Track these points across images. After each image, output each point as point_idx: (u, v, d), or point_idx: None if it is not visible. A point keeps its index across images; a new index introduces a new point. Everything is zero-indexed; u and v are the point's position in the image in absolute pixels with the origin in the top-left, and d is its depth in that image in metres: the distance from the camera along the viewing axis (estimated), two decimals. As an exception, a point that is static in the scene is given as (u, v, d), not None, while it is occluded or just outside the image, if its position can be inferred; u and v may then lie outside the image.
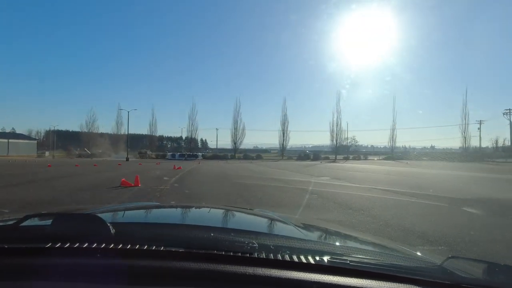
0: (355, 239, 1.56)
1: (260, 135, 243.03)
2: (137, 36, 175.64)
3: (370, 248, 1.35)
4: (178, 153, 73.24)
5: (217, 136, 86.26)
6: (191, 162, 48.24)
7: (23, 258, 0.78)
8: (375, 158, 70.78)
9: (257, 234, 1.12)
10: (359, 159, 66.21)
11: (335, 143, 71.93)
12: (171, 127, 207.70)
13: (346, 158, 57.94)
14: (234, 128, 76.86)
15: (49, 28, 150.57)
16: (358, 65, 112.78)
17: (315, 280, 0.77)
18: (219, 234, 1.02)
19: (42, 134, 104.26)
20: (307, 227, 1.61)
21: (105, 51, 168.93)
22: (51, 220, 0.92)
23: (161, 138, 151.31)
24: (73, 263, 0.76)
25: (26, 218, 0.93)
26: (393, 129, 74.89)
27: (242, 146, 79.55)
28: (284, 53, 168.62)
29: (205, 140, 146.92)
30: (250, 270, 0.77)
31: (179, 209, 1.89)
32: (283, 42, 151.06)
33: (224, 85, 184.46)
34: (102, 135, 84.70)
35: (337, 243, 1.32)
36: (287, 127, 75.48)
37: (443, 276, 0.85)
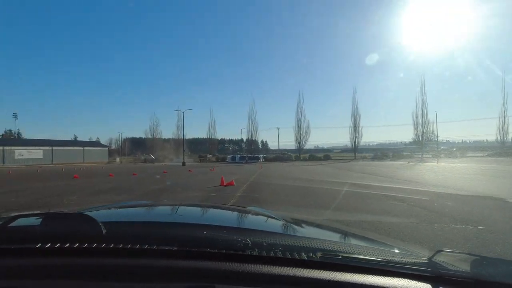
0: (347, 235, 1.58)
1: (322, 133, 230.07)
2: (192, 37, 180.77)
3: (361, 243, 1.37)
4: (239, 156, 70.19)
5: (278, 136, 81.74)
6: (252, 165, 43.98)
7: (13, 259, 0.77)
8: (480, 154, 57.95)
9: (250, 231, 1.16)
10: (455, 156, 53.94)
11: (419, 137, 60.73)
12: (232, 129, 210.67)
13: (437, 156, 47.50)
14: (298, 127, 71.05)
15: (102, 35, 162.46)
16: (440, 50, 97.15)
17: (308, 276, 0.79)
18: (212, 232, 1.01)
19: (113, 141, 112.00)
20: (299, 224, 1.63)
21: (162, 55, 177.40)
22: (41, 220, 0.90)
23: (223, 141, 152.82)
24: (63, 263, 0.76)
25: (15, 218, 0.92)
26: (503, 117, 60.54)
27: (305, 146, 73.26)
28: (350, 40, 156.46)
29: (266, 141, 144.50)
30: (243, 267, 0.78)
31: (172, 208, 1.84)
32: (349, 28, 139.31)
33: (284, 82, 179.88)
34: (165, 140, 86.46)
35: (329, 239, 1.33)
36: (358, 122, 66.97)
37: (432, 269, 0.87)
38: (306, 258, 0.84)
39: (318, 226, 1.70)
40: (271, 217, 1.61)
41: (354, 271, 0.83)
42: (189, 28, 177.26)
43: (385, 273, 0.84)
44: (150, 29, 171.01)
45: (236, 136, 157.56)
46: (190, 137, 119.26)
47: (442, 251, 0.99)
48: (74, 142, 77.98)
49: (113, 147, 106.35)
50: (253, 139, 76.33)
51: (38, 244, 0.79)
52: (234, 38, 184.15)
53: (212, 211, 1.84)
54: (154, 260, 0.78)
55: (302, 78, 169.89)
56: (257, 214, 1.78)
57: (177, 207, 1.83)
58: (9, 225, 0.90)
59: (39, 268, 0.75)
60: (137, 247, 0.81)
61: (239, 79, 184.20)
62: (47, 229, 0.87)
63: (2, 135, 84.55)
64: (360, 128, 66.11)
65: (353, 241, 1.42)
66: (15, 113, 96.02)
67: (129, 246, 0.81)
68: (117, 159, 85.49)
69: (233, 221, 1.65)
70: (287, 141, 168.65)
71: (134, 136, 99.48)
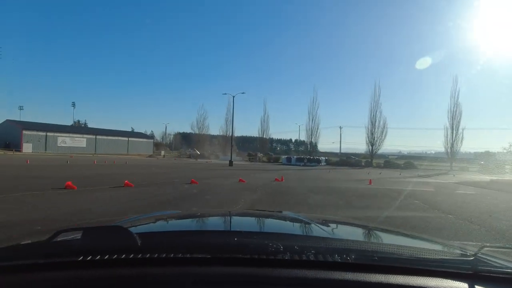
0: (383, 233, 1.60)
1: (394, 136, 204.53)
2: (242, 31, 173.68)
3: (399, 242, 1.36)
4: (295, 157, 58.99)
5: (340, 136, 68.68)
6: (319, 171, 33.95)
7: (57, 272, 0.81)
8: None
9: (281, 236, 1.15)
10: None
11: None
12: (282, 127, 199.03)
13: None
14: (371, 124, 57.73)
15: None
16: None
17: (342, 279, 0.78)
18: (243, 238, 1.03)
19: (164, 135, 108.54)
20: (331, 225, 1.62)
21: (213, 46, 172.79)
22: (80, 234, 0.96)
23: (271, 140, 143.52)
24: (103, 274, 0.80)
25: (58, 233, 0.98)
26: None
27: (379, 150, 59.84)
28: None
29: (316, 143, 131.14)
30: (274, 272, 0.79)
31: (202, 216, 1.88)
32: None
33: (351, 74, 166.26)
34: (213, 136, 79.29)
35: (364, 239, 1.34)
36: (459, 121, 51.47)
37: (478, 267, 0.84)
38: (340, 261, 0.83)
39: (353, 226, 1.74)
40: (304, 221, 1.61)
41: (391, 272, 0.80)
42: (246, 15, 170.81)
43: (425, 273, 0.80)
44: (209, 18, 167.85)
45: (285, 136, 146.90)
46: (240, 135, 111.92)
47: (487, 246, 0.95)
48: (119, 132, 73.93)
49: (163, 140, 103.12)
50: (312, 137, 64.97)
51: (80, 257, 0.82)
52: (289, 25, 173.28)
53: (243, 217, 1.86)
54: (187, 268, 0.81)
55: (373, 69, 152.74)
56: (289, 218, 1.77)
57: (207, 215, 1.89)
58: (52, 240, 0.94)
59: (81, 281, 0.79)
60: (171, 256, 0.83)
61: (296, 71, 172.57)
62: (87, 242, 0.92)
63: (71, 125, 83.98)
64: (461, 130, 51.36)
65: (389, 240, 1.43)
66: (74, 103, 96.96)
67: (164, 255, 0.83)
68: (162, 153, 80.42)
69: (264, 226, 1.64)
70: (348, 143, 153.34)
71: (185, 131, 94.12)
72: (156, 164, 33.40)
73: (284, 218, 1.79)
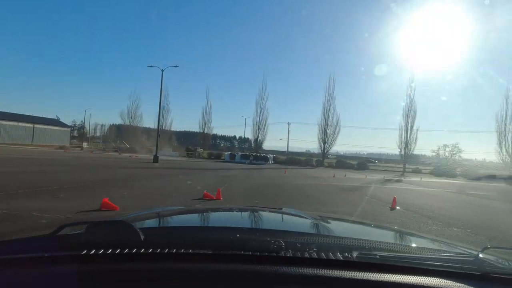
0: (386, 232, 1.59)
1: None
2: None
3: (401, 241, 1.36)
4: (240, 154, 51.95)
5: (288, 133, 63.74)
6: (268, 171, 27.98)
7: (60, 266, 0.82)
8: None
9: (283, 232, 1.15)
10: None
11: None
12: (226, 123, 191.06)
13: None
14: (324, 119, 52.63)
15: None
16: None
17: (344, 277, 0.78)
18: (246, 234, 1.04)
19: (93, 125, 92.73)
20: (333, 223, 1.62)
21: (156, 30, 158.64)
22: (84, 228, 0.97)
23: (214, 136, 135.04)
24: (106, 269, 0.81)
25: (62, 227, 0.99)
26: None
27: (330, 149, 55.80)
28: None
29: (261, 139, 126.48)
30: (277, 269, 0.79)
31: (205, 212, 1.87)
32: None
33: (300, 66, 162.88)
34: (149, 129, 68.48)
35: (366, 238, 1.29)
36: (414, 120, 47.93)
37: (480, 267, 0.84)
38: (342, 259, 0.83)
39: (355, 225, 1.75)
40: (306, 218, 1.61)
41: (393, 271, 0.80)
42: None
43: (428, 273, 0.81)
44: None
45: (230, 132, 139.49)
46: (182, 130, 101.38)
47: (489, 247, 0.95)
48: (20, 117, 58.31)
49: (95, 132, 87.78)
50: (258, 136, 57.79)
51: (84, 251, 0.83)
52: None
53: (245, 213, 1.84)
54: (190, 264, 0.81)
55: (329, 62, 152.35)
56: (291, 215, 1.77)
57: (211, 211, 1.87)
58: (57, 234, 0.96)
59: (84, 275, 0.79)
60: (173, 251, 0.84)
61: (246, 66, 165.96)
62: (91, 236, 0.92)
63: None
64: (415, 130, 48.09)
65: (392, 239, 1.42)
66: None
67: (166, 250, 0.84)
68: (84, 145, 67.26)
69: (266, 223, 1.65)
70: (299, 141, 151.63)
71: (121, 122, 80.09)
72: (43, 158, 23.57)
73: (287, 215, 1.79)
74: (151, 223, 1.50)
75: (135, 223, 1.07)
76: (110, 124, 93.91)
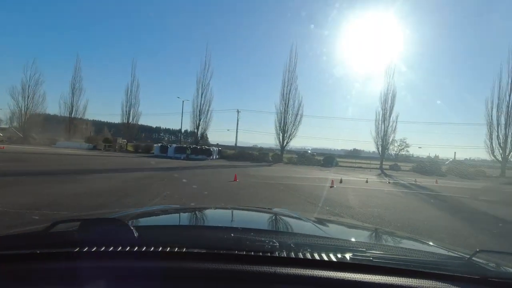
0: (378, 234, 1.59)
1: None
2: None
3: (394, 243, 1.38)
4: (175, 146, 39.53)
5: (237, 123, 52.75)
6: (212, 172, 18.11)
7: (53, 262, 0.82)
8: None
9: (277, 233, 1.19)
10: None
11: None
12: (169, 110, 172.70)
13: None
14: (284, 103, 41.50)
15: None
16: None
17: (337, 278, 0.78)
18: (240, 234, 1.05)
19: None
20: (327, 224, 1.63)
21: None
22: (78, 225, 0.97)
23: (158, 129, 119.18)
24: (99, 266, 0.80)
25: (55, 224, 0.99)
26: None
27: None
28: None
29: (206, 135, 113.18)
30: (271, 269, 0.79)
31: (199, 211, 1.92)
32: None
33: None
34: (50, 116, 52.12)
35: (360, 240, 1.32)
36: (392, 106, 39.72)
37: (472, 270, 0.85)
38: (335, 260, 0.83)
39: (347, 226, 1.79)
40: (298, 218, 1.65)
41: (386, 272, 0.81)
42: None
43: (420, 275, 0.82)
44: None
45: (173, 125, 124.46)
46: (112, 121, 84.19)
47: (482, 251, 0.97)
48: None
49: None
50: (199, 123, 44.42)
51: (76, 248, 0.83)
52: None
53: (239, 213, 1.88)
54: (183, 262, 0.81)
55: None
56: (283, 215, 1.79)
57: (205, 210, 1.95)
58: (50, 231, 0.95)
59: (77, 271, 0.79)
60: (167, 250, 0.84)
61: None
62: (84, 233, 0.91)
63: None
64: (394, 118, 39.83)
65: (385, 241, 1.43)
66: None
67: (160, 249, 0.84)
68: None
69: (260, 223, 1.67)
70: (254, 132, 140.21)
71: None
72: None
73: (282, 216, 1.78)
74: (146, 221, 1.50)
75: (129, 221, 1.07)
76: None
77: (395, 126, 38.94)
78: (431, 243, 1.33)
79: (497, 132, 34.26)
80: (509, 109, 33.67)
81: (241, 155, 40.43)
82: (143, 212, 1.72)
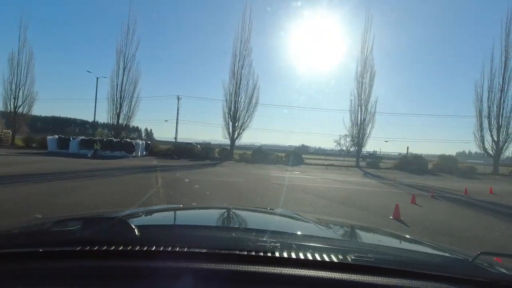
0: (379, 235, 1.62)
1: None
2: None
3: (396, 244, 1.38)
4: (81, 138, 28.57)
5: (177, 112, 42.82)
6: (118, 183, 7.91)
7: (56, 261, 0.82)
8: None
9: (278, 233, 1.17)
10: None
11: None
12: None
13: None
14: (233, 76, 31.77)
15: None
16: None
17: (339, 279, 0.78)
18: (241, 234, 1.08)
19: None
20: (329, 225, 1.65)
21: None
22: (80, 224, 0.99)
23: (73, 120, 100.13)
24: (101, 265, 0.81)
25: (57, 222, 1.01)
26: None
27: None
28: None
29: (150, 130, 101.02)
30: (272, 269, 0.79)
31: (201, 211, 1.98)
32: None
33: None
34: None
35: (361, 241, 1.34)
36: (370, 88, 31.78)
37: (476, 273, 0.85)
38: (336, 261, 0.83)
39: (349, 227, 1.76)
40: (300, 219, 1.64)
41: (388, 274, 0.81)
42: None
43: (422, 277, 0.82)
44: None
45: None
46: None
47: (484, 252, 0.96)
48: None
49: None
50: (119, 110, 31.97)
51: (79, 247, 0.84)
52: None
53: (241, 213, 1.87)
54: (184, 262, 0.81)
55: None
56: (285, 215, 1.82)
57: (207, 210, 2.07)
58: (52, 229, 0.98)
59: (78, 271, 0.79)
60: (169, 249, 0.85)
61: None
62: (87, 232, 0.92)
63: None
64: (373, 102, 31.97)
65: (387, 242, 1.42)
66: None
67: (161, 248, 0.85)
68: None
69: (261, 223, 1.68)
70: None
71: None
72: None
73: (283, 216, 1.82)
74: (147, 220, 1.50)
75: (131, 220, 1.08)
76: None
77: (374, 111, 31.79)
78: (433, 245, 1.31)
79: (489, 120, 29.00)
80: (504, 93, 28.50)
81: (178, 151, 30.68)
82: (144, 211, 1.68)
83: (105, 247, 0.84)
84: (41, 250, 0.84)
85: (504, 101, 28.44)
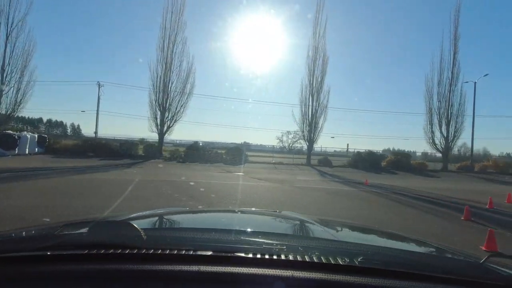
0: (386, 236, 1.59)
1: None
2: None
3: (404, 246, 1.37)
4: None
5: (98, 101, 35.13)
6: None
7: (62, 265, 0.83)
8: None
9: (285, 235, 1.18)
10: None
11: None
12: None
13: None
14: (164, 63, 25.78)
15: None
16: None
17: (346, 282, 0.78)
18: (247, 237, 1.07)
19: None
20: (336, 227, 1.66)
21: None
22: (87, 228, 1.02)
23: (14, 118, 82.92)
24: (108, 268, 0.82)
25: (65, 227, 1.03)
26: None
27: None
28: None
29: (78, 125, 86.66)
30: (278, 272, 0.79)
31: (207, 214, 1.98)
32: None
33: None
34: None
35: (368, 243, 1.32)
36: (324, 70, 28.25)
37: (487, 275, 0.85)
38: (342, 263, 0.83)
39: (356, 229, 1.76)
40: (307, 222, 1.61)
41: (397, 277, 0.80)
42: None
43: (431, 280, 0.81)
44: None
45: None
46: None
47: (494, 254, 1.01)
48: None
49: None
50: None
51: (86, 250, 0.85)
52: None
53: (246, 216, 1.89)
54: (191, 265, 0.81)
55: None
56: (292, 218, 1.79)
57: (213, 213, 2.05)
58: (60, 233, 0.99)
59: (86, 274, 0.80)
60: (175, 252, 0.85)
61: None
62: (94, 236, 0.94)
63: None
64: (324, 93, 28.19)
65: (395, 244, 1.42)
66: None
67: (167, 251, 0.85)
68: None
69: (267, 226, 1.64)
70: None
71: None
72: None
73: (289, 219, 1.80)
74: (153, 223, 1.52)
75: (137, 223, 1.08)
76: None
77: (327, 102, 28.24)
78: (441, 247, 1.30)
79: (439, 116, 27.79)
80: (452, 88, 27.58)
81: (87, 148, 23.74)
82: (151, 215, 1.72)
83: (111, 250, 0.85)
84: (49, 253, 0.85)
85: (453, 96, 27.43)
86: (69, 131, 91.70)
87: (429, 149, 30.22)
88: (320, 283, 0.77)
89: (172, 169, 16.88)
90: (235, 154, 25.03)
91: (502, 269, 0.89)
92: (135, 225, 0.97)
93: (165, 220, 1.63)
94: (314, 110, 27.81)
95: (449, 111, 27.49)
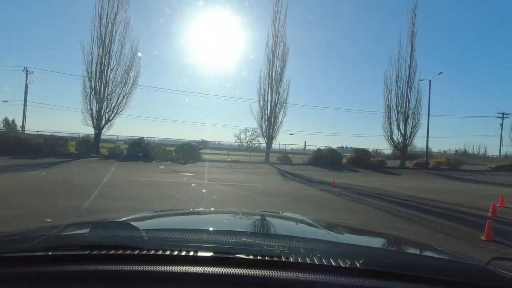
0: (388, 239, 1.58)
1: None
2: None
3: (406, 249, 1.37)
4: None
5: (26, 90, 30.33)
6: None
7: (63, 265, 0.83)
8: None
9: (286, 237, 1.18)
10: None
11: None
12: None
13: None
14: (101, 45, 21.79)
15: None
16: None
17: (348, 284, 0.78)
18: (248, 238, 1.07)
19: None
20: (338, 229, 1.65)
21: None
22: (89, 228, 1.02)
23: None
24: (109, 269, 0.81)
25: (66, 227, 1.04)
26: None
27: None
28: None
29: (13, 120, 74.30)
30: (278, 274, 0.79)
31: (208, 215, 1.93)
32: None
33: None
34: None
35: (370, 245, 1.32)
36: (284, 59, 26.28)
37: (491, 278, 0.85)
38: (342, 265, 0.83)
39: (359, 232, 1.75)
40: (308, 223, 1.61)
41: (399, 279, 0.80)
42: None
43: (433, 282, 0.80)
44: None
45: None
46: None
47: (497, 257, 0.96)
48: None
49: None
50: None
51: (87, 251, 0.85)
52: None
53: (248, 217, 1.85)
54: (192, 266, 0.81)
55: None
56: (294, 220, 1.77)
57: (214, 214, 2.01)
58: (62, 233, 1.00)
59: (87, 275, 0.80)
60: (175, 253, 0.85)
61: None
62: (95, 236, 0.95)
63: None
64: (285, 83, 26.26)
65: (397, 247, 1.42)
66: None
67: (168, 252, 0.85)
68: None
69: (269, 227, 1.65)
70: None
71: None
72: None
73: (291, 220, 1.77)
74: (153, 224, 1.53)
75: (138, 224, 1.08)
76: None
77: (287, 96, 26.46)
78: (443, 250, 1.31)
79: (397, 113, 27.59)
80: (409, 83, 27.32)
81: (3, 145, 19.29)
82: (152, 215, 1.73)
83: (112, 251, 0.84)
84: (50, 254, 0.85)
85: (410, 93, 27.33)
86: (1, 126, 79.71)
87: (387, 146, 29.95)
88: (322, 285, 0.76)
89: (101, 169, 13.87)
90: (186, 152, 22.25)
91: (506, 272, 0.88)
92: (136, 226, 0.97)
93: (166, 221, 1.63)
94: (273, 104, 25.85)
95: (407, 108, 27.31)
